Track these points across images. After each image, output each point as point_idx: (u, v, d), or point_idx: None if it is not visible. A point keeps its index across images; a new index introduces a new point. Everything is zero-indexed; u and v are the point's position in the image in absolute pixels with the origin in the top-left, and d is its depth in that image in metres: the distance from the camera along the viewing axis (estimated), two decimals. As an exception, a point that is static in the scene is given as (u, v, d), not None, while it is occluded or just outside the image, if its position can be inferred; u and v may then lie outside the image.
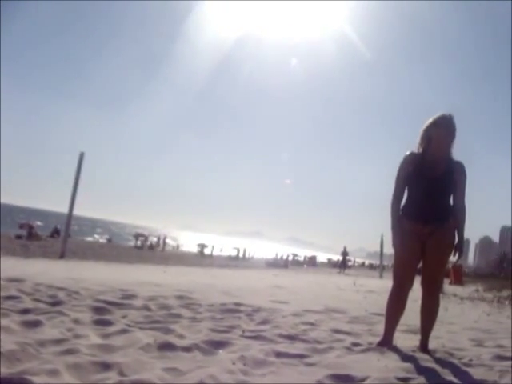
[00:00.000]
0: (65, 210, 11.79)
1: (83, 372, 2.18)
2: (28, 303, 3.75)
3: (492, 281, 23.06)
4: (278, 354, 2.81)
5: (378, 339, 3.42)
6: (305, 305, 5.55)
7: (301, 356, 2.83)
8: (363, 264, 66.09)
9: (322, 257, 63.27)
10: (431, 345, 3.42)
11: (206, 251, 35.64)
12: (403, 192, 3.45)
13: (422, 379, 2.50)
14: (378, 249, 21.10)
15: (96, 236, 43.95)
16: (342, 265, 28.62)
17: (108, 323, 3.33)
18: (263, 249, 67.31)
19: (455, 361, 3.10)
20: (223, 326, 3.64)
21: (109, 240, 37.02)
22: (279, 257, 38.82)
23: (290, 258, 41.25)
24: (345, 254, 29.02)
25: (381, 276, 20.50)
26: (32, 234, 21.85)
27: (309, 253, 60.46)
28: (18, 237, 21.26)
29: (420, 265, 3.42)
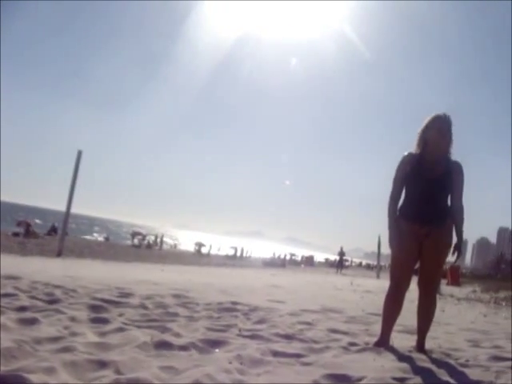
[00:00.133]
0: (63, 208, 11.78)
1: (80, 370, 2.17)
2: (25, 301, 3.74)
3: (489, 282, 23.09)
4: (275, 354, 2.81)
5: (374, 339, 3.43)
6: (302, 304, 5.55)
7: (297, 355, 2.83)
8: (360, 264, 66.17)
9: (319, 257, 63.35)
10: (428, 345, 3.43)
11: (204, 250, 35.63)
12: (400, 193, 3.46)
13: (418, 379, 2.50)
14: (376, 249, 21.12)
15: (95, 234, 43.86)
16: (339, 265, 28.67)
17: (105, 321, 3.33)
18: (261, 248, 67.32)
19: (452, 361, 3.10)
20: (220, 324, 3.64)
21: (106, 238, 36.99)
22: (277, 256, 38.84)
23: (288, 257, 41.27)
24: (342, 254, 29.07)
25: (378, 276, 20.52)
26: (29, 232, 21.82)
27: (306, 252, 60.51)
28: (16, 234, 21.23)
29: (417, 265, 3.42)
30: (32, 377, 1.93)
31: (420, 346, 3.36)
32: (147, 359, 2.43)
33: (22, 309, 3.44)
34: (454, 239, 3.36)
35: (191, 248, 38.90)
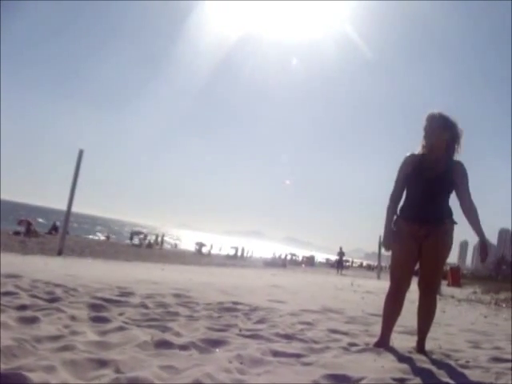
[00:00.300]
0: (66, 207, 11.80)
1: (80, 369, 2.18)
2: (25, 299, 3.74)
3: (490, 283, 23.07)
4: (275, 353, 2.81)
5: (374, 340, 3.43)
6: (302, 304, 5.55)
7: (297, 355, 2.83)
8: (361, 265, 66.17)
9: (319, 257, 63.37)
10: (428, 346, 3.42)
11: (204, 250, 35.67)
12: (400, 194, 3.45)
13: (418, 380, 2.50)
14: (376, 250, 21.12)
15: (98, 234, 43.78)
16: (339, 265, 28.66)
17: (105, 320, 3.33)
18: (261, 248, 67.33)
19: (452, 362, 3.10)
20: (220, 324, 3.64)
21: (107, 237, 37.02)
22: (277, 256, 38.86)
23: (288, 257, 41.29)
24: (341, 254, 29.05)
25: (378, 277, 20.52)
26: (30, 231, 21.86)
27: (307, 253, 60.52)
28: (17, 233, 21.25)
29: (417, 266, 3.42)
30: (32, 375, 1.93)
31: (420, 347, 3.36)
32: (147, 358, 2.43)
33: (23, 307, 3.44)
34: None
35: (192, 248, 38.92)
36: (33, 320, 3.03)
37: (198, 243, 36.95)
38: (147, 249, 28.03)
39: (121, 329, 3.08)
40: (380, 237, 19.83)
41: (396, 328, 3.53)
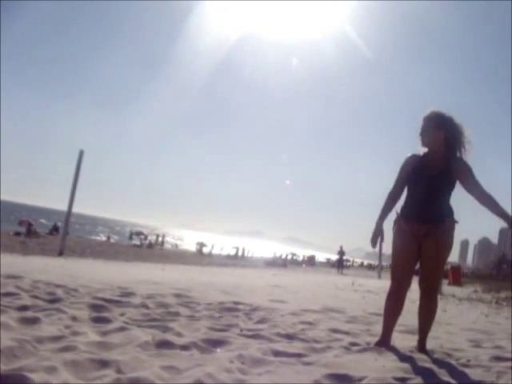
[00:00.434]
0: (73, 208, 11.82)
1: (81, 369, 2.18)
2: (26, 300, 3.75)
3: (490, 282, 23.07)
4: (276, 353, 2.81)
5: (375, 339, 3.42)
6: (303, 304, 5.55)
7: (299, 355, 2.83)
8: (362, 264, 66.16)
9: (320, 256, 63.37)
10: (429, 345, 3.42)
11: (205, 250, 35.68)
12: (398, 193, 3.46)
13: (419, 379, 2.49)
14: (377, 249, 21.10)
15: (101, 234, 43.58)
16: (339, 264, 28.64)
17: (106, 321, 3.33)
18: (262, 248, 67.34)
19: (453, 361, 3.10)
20: (221, 324, 3.64)
21: (107, 238, 37.04)
22: (278, 256, 38.87)
23: (289, 257, 41.28)
24: (341, 253, 29.01)
25: (379, 276, 20.51)
26: (31, 231, 21.87)
27: (307, 252, 60.52)
28: (17, 234, 21.27)
29: (418, 265, 3.41)
30: (33, 376, 1.93)
31: (421, 346, 3.36)
32: (148, 359, 2.43)
33: (24, 308, 3.45)
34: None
35: (192, 248, 38.92)
36: (34, 320, 3.03)
37: (198, 243, 36.97)
38: (148, 249, 28.04)
39: (122, 329, 3.08)
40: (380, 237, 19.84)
41: (397, 327, 3.52)
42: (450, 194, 3.32)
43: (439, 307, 3.57)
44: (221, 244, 45.63)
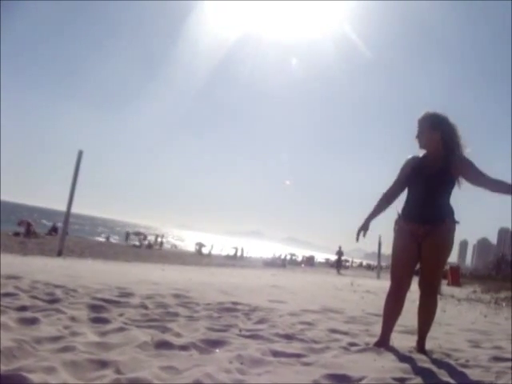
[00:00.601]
0: (73, 208, 11.82)
1: (80, 370, 2.17)
2: (25, 300, 3.74)
3: (489, 282, 23.07)
4: (275, 354, 2.81)
5: (375, 339, 3.43)
6: (302, 304, 5.55)
7: (298, 355, 2.83)
8: (361, 264, 66.18)
9: (319, 257, 63.37)
10: (428, 345, 3.42)
11: (204, 250, 35.67)
12: (395, 192, 3.47)
13: (418, 380, 2.50)
14: (376, 249, 21.12)
15: (102, 235, 43.36)
16: (338, 264, 28.65)
17: (105, 321, 3.33)
18: (261, 248, 67.35)
19: (452, 362, 3.10)
20: (220, 324, 3.64)
21: (106, 238, 37.01)
22: (277, 256, 38.86)
23: (288, 257, 41.28)
24: (340, 253, 29.01)
25: (378, 277, 20.51)
26: (30, 232, 21.85)
27: (306, 253, 60.54)
28: (16, 234, 21.25)
29: (418, 266, 3.41)
30: (32, 376, 1.93)
31: (420, 347, 3.36)
32: (147, 359, 2.43)
33: (23, 308, 3.44)
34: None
35: (191, 248, 38.91)
36: (33, 321, 3.03)
37: (197, 243, 36.98)
38: (147, 249, 28.04)
39: (121, 329, 3.08)
40: (380, 237, 19.88)
41: (396, 327, 3.52)
42: (449, 194, 3.32)
43: (438, 307, 3.57)
44: (221, 244, 45.61)
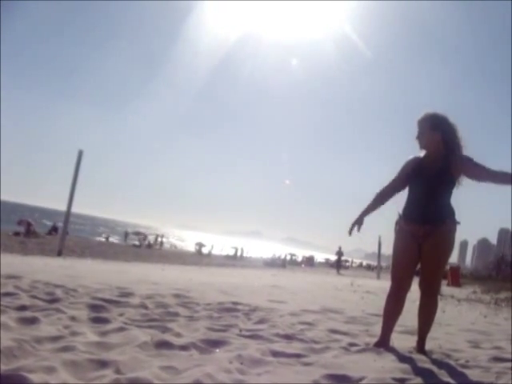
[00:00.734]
0: (73, 208, 11.83)
1: (80, 369, 2.17)
2: (25, 300, 3.74)
3: (489, 283, 23.05)
4: (275, 354, 2.81)
5: (374, 340, 3.42)
6: (302, 305, 5.55)
7: (298, 356, 2.83)
8: (361, 265, 66.16)
9: (319, 257, 63.36)
10: (428, 346, 3.42)
11: (204, 250, 35.68)
12: (390, 191, 3.48)
13: (418, 380, 2.50)
14: (376, 250, 21.13)
15: (104, 235, 43.19)
16: (337, 265, 28.66)
17: (105, 321, 3.33)
18: (261, 248, 67.36)
19: (452, 362, 3.10)
20: (220, 324, 3.64)
21: (106, 238, 37.00)
22: (277, 256, 38.86)
23: (288, 257, 41.28)
24: (339, 253, 29.01)
25: (378, 277, 20.50)
26: (30, 231, 21.84)
27: (306, 253, 60.53)
28: (16, 234, 21.24)
29: (419, 266, 3.40)
30: (32, 376, 1.93)
31: (420, 347, 3.35)
32: (148, 359, 2.43)
33: (23, 308, 3.45)
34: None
35: (191, 248, 38.90)
36: (33, 321, 3.03)
37: (197, 243, 36.98)
38: (147, 249, 28.04)
39: (121, 329, 3.08)
40: (380, 237, 19.89)
41: (396, 328, 3.52)
42: (450, 194, 3.31)
43: (438, 308, 3.57)
44: (221, 244, 45.60)
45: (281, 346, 3.05)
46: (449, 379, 2.61)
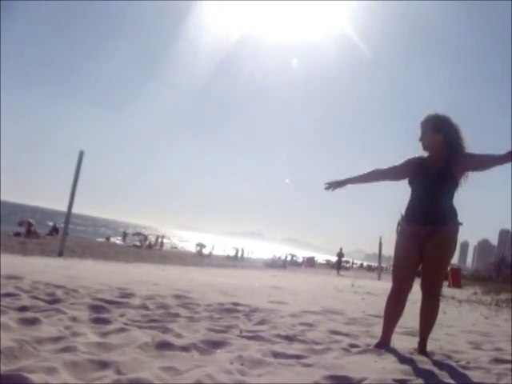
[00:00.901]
0: (74, 209, 11.84)
1: (81, 370, 2.17)
2: (26, 301, 3.75)
3: (490, 284, 23.07)
4: (276, 355, 2.81)
5: (375, 341, 3.42)
6: (303, 305, 5.55)
7: (298, 357, 2.83)
8: (361, 266, 66.13)
9: (320, 258, 63.35)
10: (429, 347, 3.42)
11: (205, 251, 35.68)
12: (387, 172, 3.51)
13: (419, 381, 2.49)
14: (377, 251, 21.13)
15: (104, 236, 43.00)
16: (338, 266, 28.68)
17: (106, 322, 3.33)
18: (262, 249, 67.36)
19: (453, 363, 3.09)
20: (221, 325, 3.64)
21: (107, 238, 36.99)
22: (277, 257, 38.85)
23: (289, 258, 41.27)
24: (340, 254, 29.02)
25: (379, 278, 20.50)
26: (31, 232, 21.84)
27: (307, 254, 60.53)
28: (17, 234, 21.24)
29: (420, 267, 3.40)
30: (33, 376, 1.93)
31: (422, 348, 3.35)
32: (148, 360, 2.43)
33: (24, 309, 3.45)
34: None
35: (192, 248, 38.90)
36: (33, 321, 3.03)
37: (198, 244, 36.99)
38: (147, 250, 28.05)
39: (121, 330, 3.08)
40: (380, 238, 19.89)
41: (397, 329, 3.52)
42: (452, 195, 3.30)
43: (439, 309, 3.56)
44: (222, 245, 45.58)
45: (281, 346, 3.05)
46: (449, 380, 2.60)
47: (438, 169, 3.27)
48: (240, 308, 4.66)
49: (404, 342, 3.63)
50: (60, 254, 11.09)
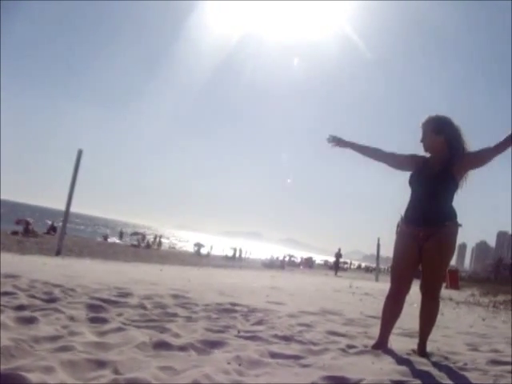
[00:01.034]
0: (73, 208, 11.84)
1: (78, 369, 2.17)
2: (23, 299, 3.74)
3: (488, 285, 23.09)
4: (273, 355, 2.81)
5: (373, 342, 3.42)
6: (300, 306, 5.54)
7: (296, 357, 2.83)
8: (359, 266, 66.20)
9: (318, 258, 63.38)
10: (427, 348, 3.42)
11: (203, 251, 35.68)
12: (390, 155, 3.50)
13: (416, 382, 2.50)
14: (375, 252, 21.15)
15: (103, 235, 42.91)
16: (336, 266, 28.72)
17: (103, 321, 3.33)
18: (260, 249, 67.37)
19: (450, 365, 3.09)
20: (219, 325, 3.64)
21: (105, 238, 36.95)
22: (275, 258, 38.88)
23: (287, 259, 41.29)
24: (338, 255, 29.04)
25: (377, 279, 20.51)
26: (28, 231, 21.81)
27: (305, 254, 60.56)
28: (15, 233, 21.20)
29: (420, 268, 3.40)
30: (30, 376, 1.92)
31: (421, 350, 3.34)
32: (146, 359, 2.43)
33: (21, 307, 3.44)
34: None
35: (190, 248, 38.90)
36: (31, 320, 3.02)
37: (196, 244, 36.99)
38: (145, 249, 28.04)
39: (119, 329, 3.07)
40: (378, 239, 19.90)
41: (394, 330, 3.52)
42: (452, 196, 3.29)
43: (437, 310, 3.57)
44: (221, 245, 45.59)
45: (279, 347, 3.05)
46: (447, 382, 2.61)
47: (439, 170, 3.27)
48: (238, 308, 4.66)
49: (401, 343, 3.63)
50: (58, 253, 11.09)
